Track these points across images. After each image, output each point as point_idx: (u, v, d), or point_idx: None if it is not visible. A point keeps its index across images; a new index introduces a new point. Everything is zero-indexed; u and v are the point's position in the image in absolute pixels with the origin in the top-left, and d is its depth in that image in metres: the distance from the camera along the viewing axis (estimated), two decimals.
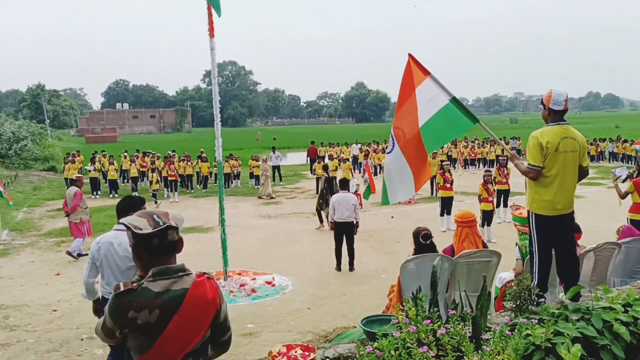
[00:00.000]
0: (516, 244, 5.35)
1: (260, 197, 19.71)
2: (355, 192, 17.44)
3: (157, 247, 2.32)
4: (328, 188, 13.98)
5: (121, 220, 2.41)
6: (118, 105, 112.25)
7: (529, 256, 5.06)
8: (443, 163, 14.09)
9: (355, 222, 9.91)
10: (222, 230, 9.19)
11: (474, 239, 5.20)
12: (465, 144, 29.21)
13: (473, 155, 26.87)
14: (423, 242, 5.07)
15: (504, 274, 5.58)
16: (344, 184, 10.40)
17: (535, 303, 3.96)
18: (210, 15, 8.59)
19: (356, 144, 29.94)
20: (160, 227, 2.30)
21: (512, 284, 5.27)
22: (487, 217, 11.93)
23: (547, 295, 4.47)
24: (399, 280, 5.02)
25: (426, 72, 4.98)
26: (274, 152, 25.20)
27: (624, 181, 8.99)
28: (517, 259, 5.22)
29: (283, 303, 8.21)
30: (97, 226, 14.79)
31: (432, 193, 19.26)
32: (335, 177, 14.56)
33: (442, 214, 13.37)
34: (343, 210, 9.84)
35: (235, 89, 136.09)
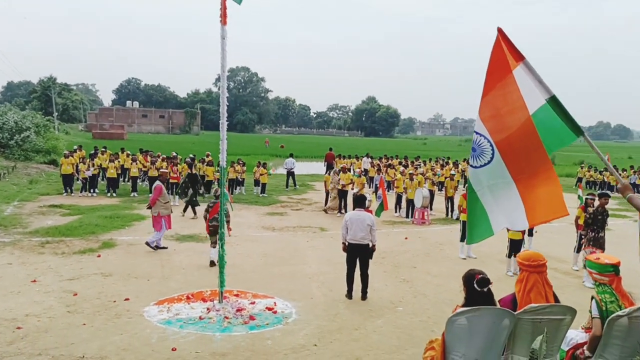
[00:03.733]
0: (592, 297, 4.20)
1: (325, 211, 18.29)
2: (367, 209, 16.32)
3: None
4: (188, 182, 16.82)
5: None
6: (128, 103, 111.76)
7: (612, 315, 3.92)
8: (467, 185, 12.92)
9: (370, 245, 8.75)
10: (221, 245, 8.07)
11: (543, 288, 4.05)
12: None
13: None
14: (478, 289, 3.91)
15: (572, 333, 4.41)
16: (360, 201, 9.23)
17: None
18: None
19: (367, 158, 28.74)
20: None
21: (584, 349, 4.13)
22: (516, 246, 10.74)
23: None
24: (444, 337, 3.87)
25: (519, 57, 3.85)
26: (290, 157, 26.05)
27: None
28: (593, 317, 4.07)
29: (285, 336, 7.05)
30: (88, 227, 13.74)
31: (447, 214, 18.08)
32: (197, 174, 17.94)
33: (462, 240, 12.19)
34: (357, 230, 8.68)
35: (246, 95, 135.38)
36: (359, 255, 8.73)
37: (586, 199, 11.50)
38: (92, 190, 20.42)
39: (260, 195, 21.98)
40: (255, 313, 7.76)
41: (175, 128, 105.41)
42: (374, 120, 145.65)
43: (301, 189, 25.35)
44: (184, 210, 16.85)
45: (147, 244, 11.68)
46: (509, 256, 10.80)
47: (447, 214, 18.09)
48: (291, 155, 26.64)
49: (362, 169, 26.78)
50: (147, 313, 7.68)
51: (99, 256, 10.98)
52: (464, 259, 12.01)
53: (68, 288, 8.75)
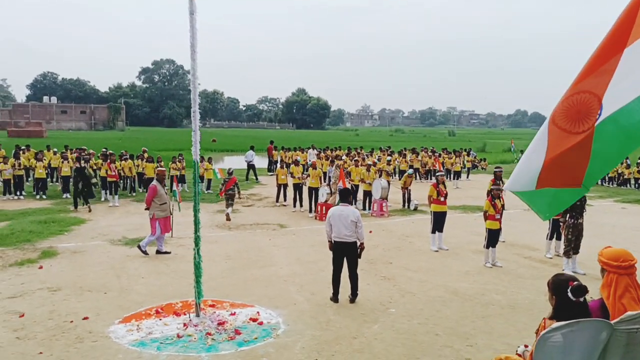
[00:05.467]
0: None
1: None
2: (326, 203, 15.70)
3: None
4: (77, 177, 16.30)
5: None
6: (45, 98, 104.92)
7: None
8: (437, 174, 12.52)
9: (358, 242, 8.09)
10: (197, 251, 7.15)
11: (636, 293, 3.52)
12: (425, 153, 28.11)
13: (436, 165, 25.70)
14: (574, 299, 3.30)
15: None
16: (345, 195, 8.50)
17: None
18: None
19: (312, 149, 28.10)
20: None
21: None
22: (494, 236, 10.43)
23: None
24: (531, 358, 3.24)
25: None
26: (251, 150, 26.28)
27: None
28: None
29: (281, 351, 6.25)
30: (21, 235, 12.21)
31: (404, 205, 17.74)
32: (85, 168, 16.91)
33: (433, 231, 11.78)
34: (340, 227, 7.97)
35: (172, 88, 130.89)
36: (345, 254, 8.04)
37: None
38: (18, 193, 18.50)
39: (206, 191, 20.79)
40: (239, 326, 6.90)
41: (98, 124, 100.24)
42: (304, 113, 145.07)
43: (247, 184, 24.31)
44: (75, 206, 16.28)
45: (139, 247, 10.84)
46: (487, 247, 10.46)
47: (403, 205, 17.74)
48: (252, 148, 26.37)
49: (310, 162, 26.09)
50: (113, 334, 6.63)
51: (40, 267, 9.67)
52: (436, 251, 11.62)
53: (11, 308, 7.50)
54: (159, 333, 6.63)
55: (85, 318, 7.13)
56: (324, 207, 15.61)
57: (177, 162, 20.71)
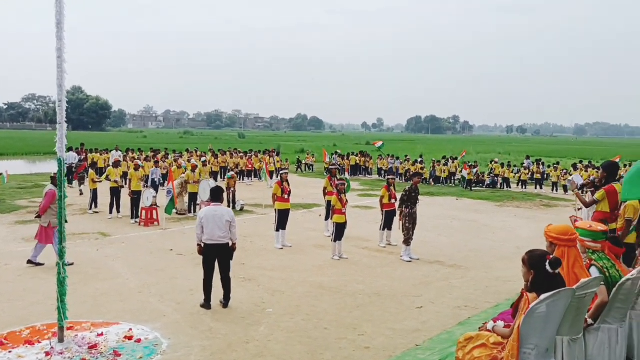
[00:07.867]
0: (592, 265, 4.27)
1: (178, 213, 16.08)
2: (152, 207, 14.62)
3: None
4: None
5: None
6: None
7: (623, 280, 4.08)
8: (281, 172, 12.52)
9: (231, 243, 7.70)
10: (61, 265, 6.08)
11: (582, 262, 3.95)
12: (237, 154, 28.09)
13: (250, 166, 25.86)
14: (552, 271, 3.55)
15: None
16: (217, 195, 7.97)
17: None
18: None
19: (117, 151, 25.89)
20: None
21: (587, 316, 4.22)
22: (341, 230, 10.86)
23: None
24: (519, 330, 3.41)
25: None
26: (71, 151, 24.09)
27: (580, 189, 8.97)
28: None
29: None
30: None
31: (229, 206, 17.39)
32: None
33: (277, 229, 11.83)
34: (214, 229, 7.51)
35: None
36: (218, 256, 7.59)
37: (388, 179, 12.49)
38: None
39: None
40: (115, 347, 6.02)
41: None
42: (82, 112, 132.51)
43: (36, 191, 21.30)
44: None
45: (30, 261, 9.79)
46: (335, 240, 10.86)
47: (228, 206, 17.40)
48: (71, 150, 24.24)
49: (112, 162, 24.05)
50: None
51: None
52: (281, 248, 11.68)
53: None
54: None
55: None
56: (149, 212, 14.54)
57: None
